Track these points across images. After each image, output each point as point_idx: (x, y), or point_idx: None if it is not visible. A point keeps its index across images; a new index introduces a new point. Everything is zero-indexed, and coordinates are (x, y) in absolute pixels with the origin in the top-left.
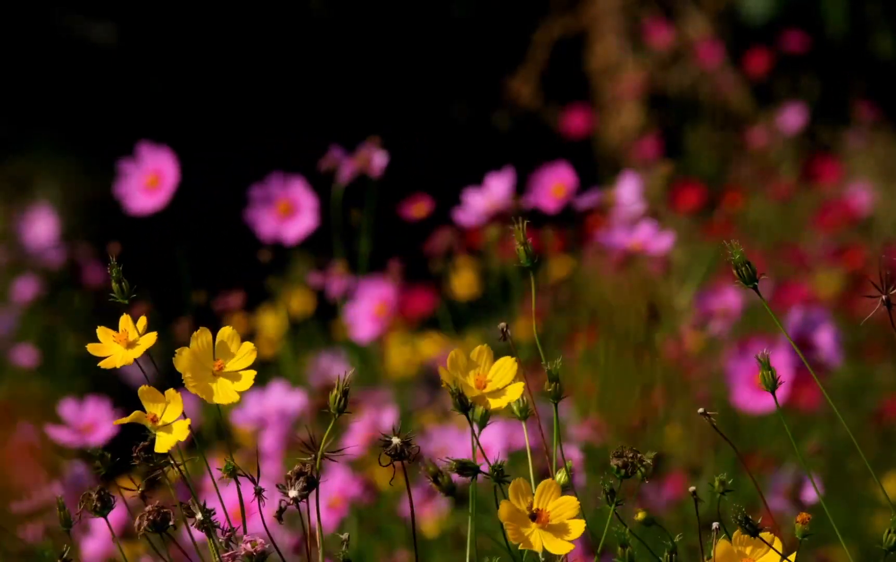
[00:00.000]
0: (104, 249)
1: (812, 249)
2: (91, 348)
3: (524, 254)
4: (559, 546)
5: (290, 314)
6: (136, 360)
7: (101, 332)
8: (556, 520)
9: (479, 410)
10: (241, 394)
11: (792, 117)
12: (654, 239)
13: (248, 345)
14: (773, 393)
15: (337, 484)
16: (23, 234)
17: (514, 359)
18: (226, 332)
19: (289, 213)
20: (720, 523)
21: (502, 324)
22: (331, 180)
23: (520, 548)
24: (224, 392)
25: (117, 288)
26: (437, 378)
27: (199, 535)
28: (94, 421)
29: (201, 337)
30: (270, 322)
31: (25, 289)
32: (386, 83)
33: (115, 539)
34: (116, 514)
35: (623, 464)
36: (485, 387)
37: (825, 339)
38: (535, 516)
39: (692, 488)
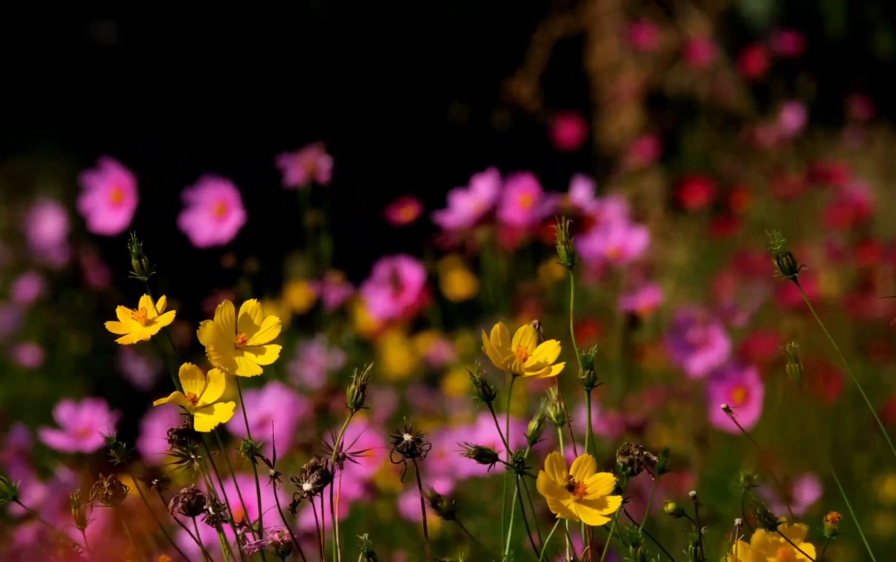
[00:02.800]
0: (104, 250)
1: (815, 248)
2: (110, 326)
3: (565, 253)
4: (596, 518)
5: (290, 311)
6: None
7: (121, 311)
8: (592, 495)
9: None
10: (263, 368)
11: (790, 117)
12: (628, 240)
13: (273, 318)
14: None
15: (337, 485)
16: (28, 233)
17: (557, 342)
18: (250, 305)
19: (222, 213)
20: (745, 519)
21: (535, 321)
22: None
23: (558, 517)
24: (247, 365)
25: (137, 265)
26: (435, 377)
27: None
28: (91, 425)
29: (225, 309)
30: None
31: (28, 288)
32: (386, 84)
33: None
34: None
35: (629, 461)
36: (525, 360)
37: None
38: (572, 488)
39: (692, 492)
